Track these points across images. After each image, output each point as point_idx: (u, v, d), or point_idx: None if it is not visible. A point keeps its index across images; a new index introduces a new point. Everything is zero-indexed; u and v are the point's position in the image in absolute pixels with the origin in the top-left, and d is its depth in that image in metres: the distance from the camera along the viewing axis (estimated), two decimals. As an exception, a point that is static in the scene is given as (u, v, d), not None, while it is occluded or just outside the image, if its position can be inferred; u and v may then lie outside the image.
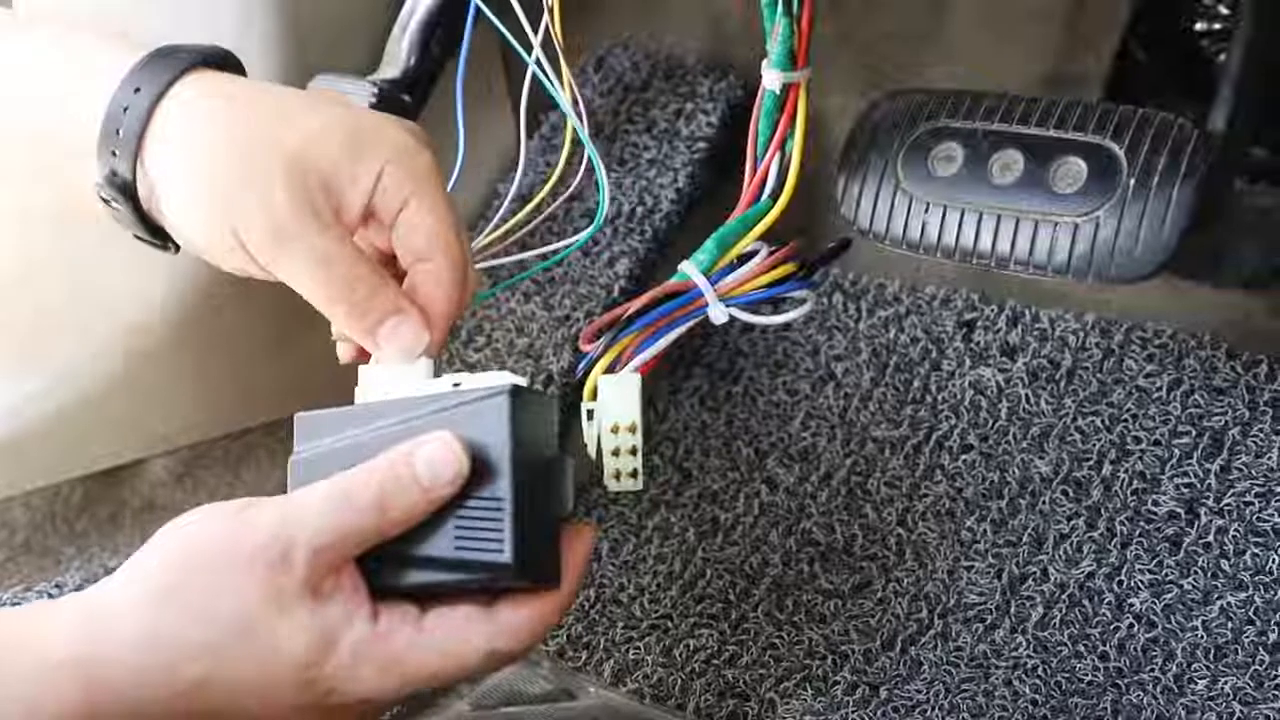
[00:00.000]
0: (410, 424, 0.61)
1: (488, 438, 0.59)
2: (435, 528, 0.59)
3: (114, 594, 0.58)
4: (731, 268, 0.72)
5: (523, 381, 0.61)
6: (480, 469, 0.59)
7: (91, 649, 0.57)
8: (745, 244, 0.73)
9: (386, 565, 0.59)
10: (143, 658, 0.57)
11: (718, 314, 0.72)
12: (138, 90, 0.64)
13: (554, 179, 0.86)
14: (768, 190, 0.74)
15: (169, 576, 0.58)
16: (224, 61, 0.68)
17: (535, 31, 0.77)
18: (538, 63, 0.77)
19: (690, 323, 0.72)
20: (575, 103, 0.77)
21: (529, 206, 0.86)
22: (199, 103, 0.65)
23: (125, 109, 0.64)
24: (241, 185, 0.62)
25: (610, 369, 0.69)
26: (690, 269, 0.71)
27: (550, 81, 0.77)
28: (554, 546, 0.61)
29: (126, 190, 0.65)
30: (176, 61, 0.65)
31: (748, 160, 0.75)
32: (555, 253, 0.90)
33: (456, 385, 0.62)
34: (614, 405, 0.67)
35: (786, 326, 1.04)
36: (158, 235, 0.67)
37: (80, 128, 0.65)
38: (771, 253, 0.73)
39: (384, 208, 0.65)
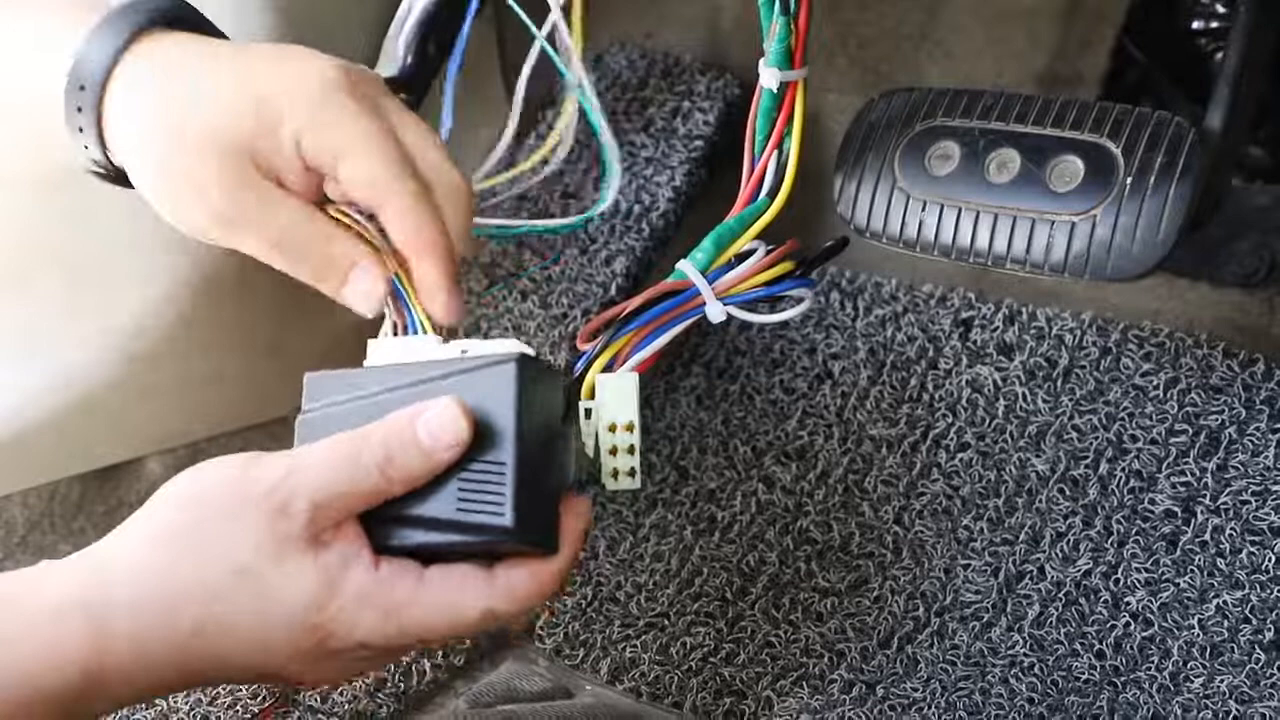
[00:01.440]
0: (417, 388, 0.61)
1: (493, 403, 0.60)
2: (438, 490, 0.60)
3: (118, 538, 0.59)
4: (729, 266, 0.72)
5: (530, 351, 0.62)
6: (484, 434, 0.60)
7: (95, 592, 0.58)
8: (743, 242, 0.73)
9: (389, 524, 0.60)
10: (141, 595, 0.57)
11: (715, 312, 0.72)
12: (91, 61, 0.65)
13: (549, 143, 0.84)
14: (765, 188, 0.74)
15: (171, 520, 0.59)
16: (178, 17, 0.69)
17: (538, 22, 0.76)
18: (549, 38, 0.76)
19: (688, 321, 0.72)
20: (580, 83, 0.77)
21: (525, 165, 0.84)
22: (140, 82, 0.66)
23: (82, 87, 0.66)
24: (183, 180, 0.65)
25: (608, 368, 0.70)
26: (688, 268, 0.71)
27: (557, 60, 0.76)
28: (554, 514, 0.62)
29: (103, 166, 0.67)
30: (125, 25, 0.66)
31: (745, 159, 0.75)
32: (562, 227, 0.89)
33: (464, 352, 0.63)
34: (611, 404, 0.67)
35: (784, 325, 1.04)
36: (119, 174, 0.70)
37: (50, 105, 0.67)
38: (769, 251, 0.73)
39: (320, 165, 0.66)
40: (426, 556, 0.61)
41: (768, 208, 0.74)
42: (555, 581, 0.62)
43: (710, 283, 0.71)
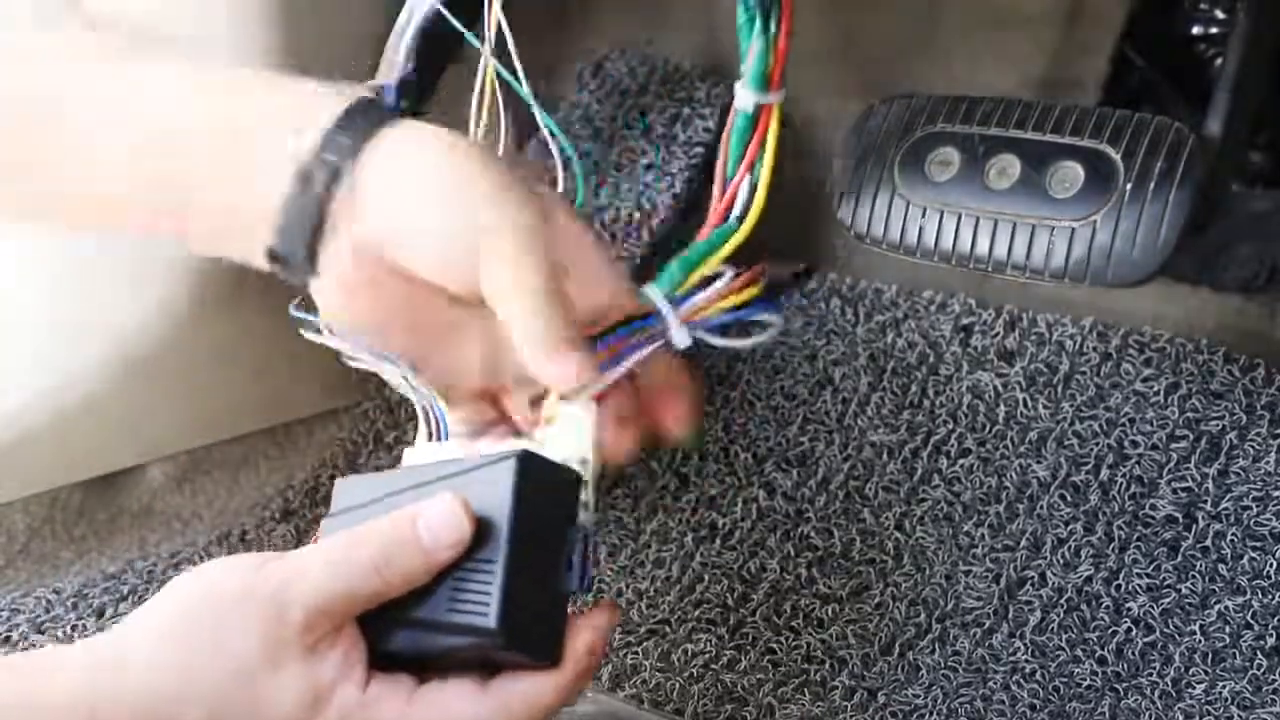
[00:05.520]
0: (422, 489, 0.60)
1: (490, 501, 0.58)
2: (433, 590, 0.59)
3: (122, 639, 0.58)
4: (696, 290, 0.71)
5: (539, 450, 0.61)
6: (483, 533, 0.58)
7: (103, 690, 0.57)
8: (711, 266, 0.71)
9: (382, 625, 0.59)
10: (149, 694, 0.57)
11: (680, 338, 0.70)
12: (347, 127, 0.62)
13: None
14: (736, 211, 0.73)
15: (181, 618, 0.58)
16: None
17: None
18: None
19: (650, 348, 0.70)
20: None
21: None
22: (437, 133, 0.64)
23: (344, 128, 0.63)
24: (505, 215, 0.62)
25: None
26: (653, 293, 0.69)
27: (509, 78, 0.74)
28: (554, 622, 0.60)
29: (334, 179, 0.62)
30: (380, 110, 0.64)
31: (716, 180, 0.73)
32: None
33: (483, 454, 0.62)
34: (565, 437, 0.65)
35: (784, 331, 1.04)
36: (311, 251, 0.64)
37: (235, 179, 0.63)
38: (736, 275, 0.71)
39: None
40: (424, 664, 0.59)
41: (737, 231, 0.72)
42: (556, 697, 0.59)
43: (676, 307, 0.70)
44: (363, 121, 0.63)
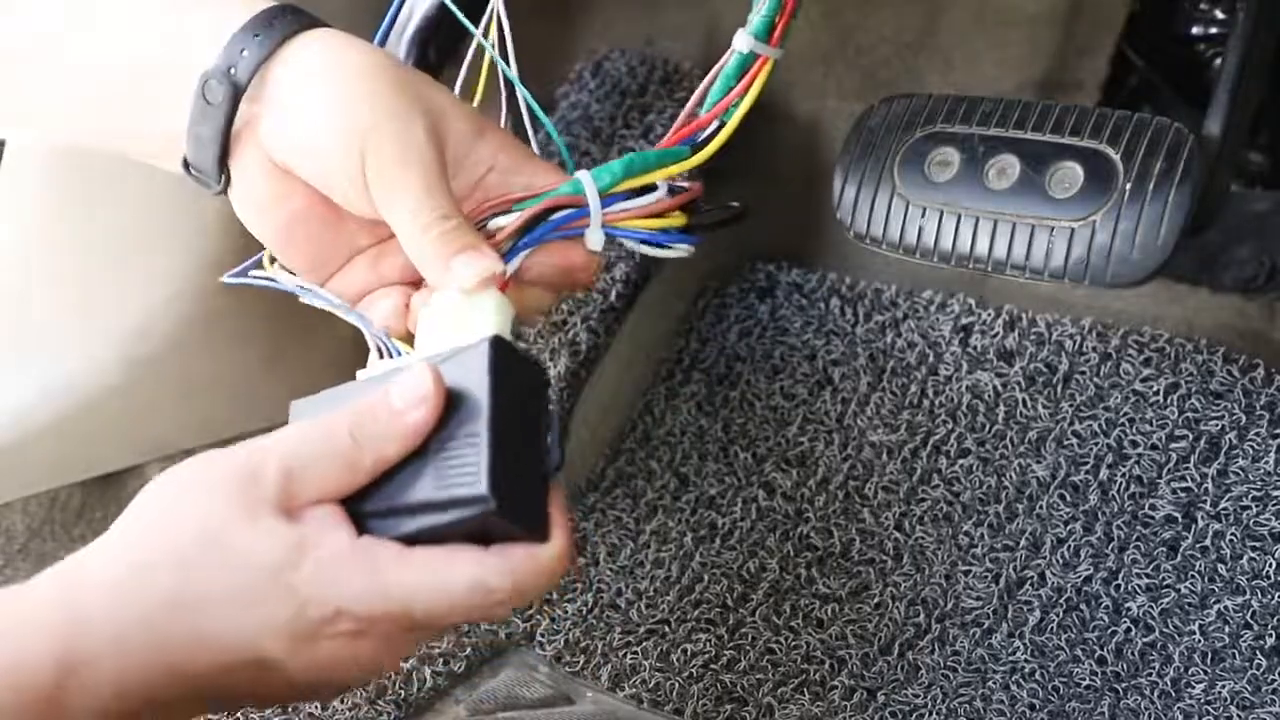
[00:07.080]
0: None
1: (469, 383, 0.59)
2: (419, 474, 0.59)
3: (98, 541, 0.59)
4: (627, 196, 0.70)
5: (506, 335, 0.61)
6: (460, 411, 0.59)
7: (72, 579, 0.57)
8: (651, 178, 0.70)
9: (374, 517, 0.59)
10: (114, 569, 0.57)
11: (595, 239, 0.68)
12: (257, 35, 0.64)
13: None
14: (694, 140, 0.72)
15: (146, 504, 0.59)
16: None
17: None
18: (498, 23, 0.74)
19: (558, 238, 0.68)
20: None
21: None
22: (344, 42, 0.66)
23: (255, 35, 0.64)
24: (385, 116, 0.64)
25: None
26: (588, 184, 0.68)
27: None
28: (539, 499, 0.61)
29: (234, 93, 0.64)
30: (294, 17, 0.66)
31: (686, 109, 0.72)
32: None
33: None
34: (475, 324, 0.64)
35: (783, 331, 1.04)
36: (220, 164, 0.66)
37: (162, 88, 0.65)
38: (672, 191, 0.71)
39: (492, 187, 0.68)
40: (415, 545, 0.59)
41: (687, 157, 0.71)
42: (550, 568, 0.59)
43: (605, 206, 0.69)
44: (272, 31, 0.64)
